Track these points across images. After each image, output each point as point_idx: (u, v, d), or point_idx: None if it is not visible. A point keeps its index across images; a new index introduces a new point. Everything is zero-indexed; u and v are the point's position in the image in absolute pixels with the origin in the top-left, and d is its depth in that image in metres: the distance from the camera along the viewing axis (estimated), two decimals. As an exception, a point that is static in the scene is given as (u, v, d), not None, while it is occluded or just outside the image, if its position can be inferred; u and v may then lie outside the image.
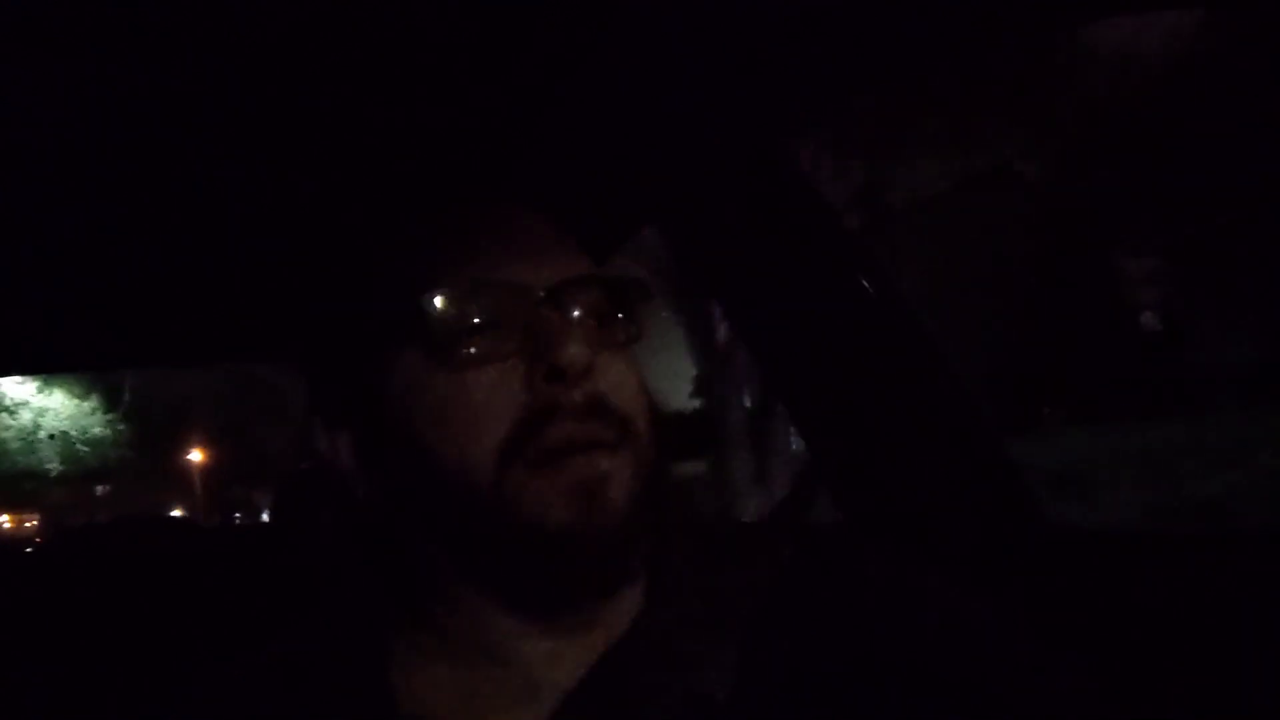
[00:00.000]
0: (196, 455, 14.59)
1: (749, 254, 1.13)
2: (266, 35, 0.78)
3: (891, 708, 0.53)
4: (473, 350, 0.51)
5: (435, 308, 0.51)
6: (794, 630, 0.56)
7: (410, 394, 0.52)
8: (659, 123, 0.99)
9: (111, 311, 1.49)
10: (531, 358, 0.51)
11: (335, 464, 0.57)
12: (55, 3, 0.71)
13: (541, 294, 0.52)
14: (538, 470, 0.50)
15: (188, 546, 1.62)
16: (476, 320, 0.51)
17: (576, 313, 0.53)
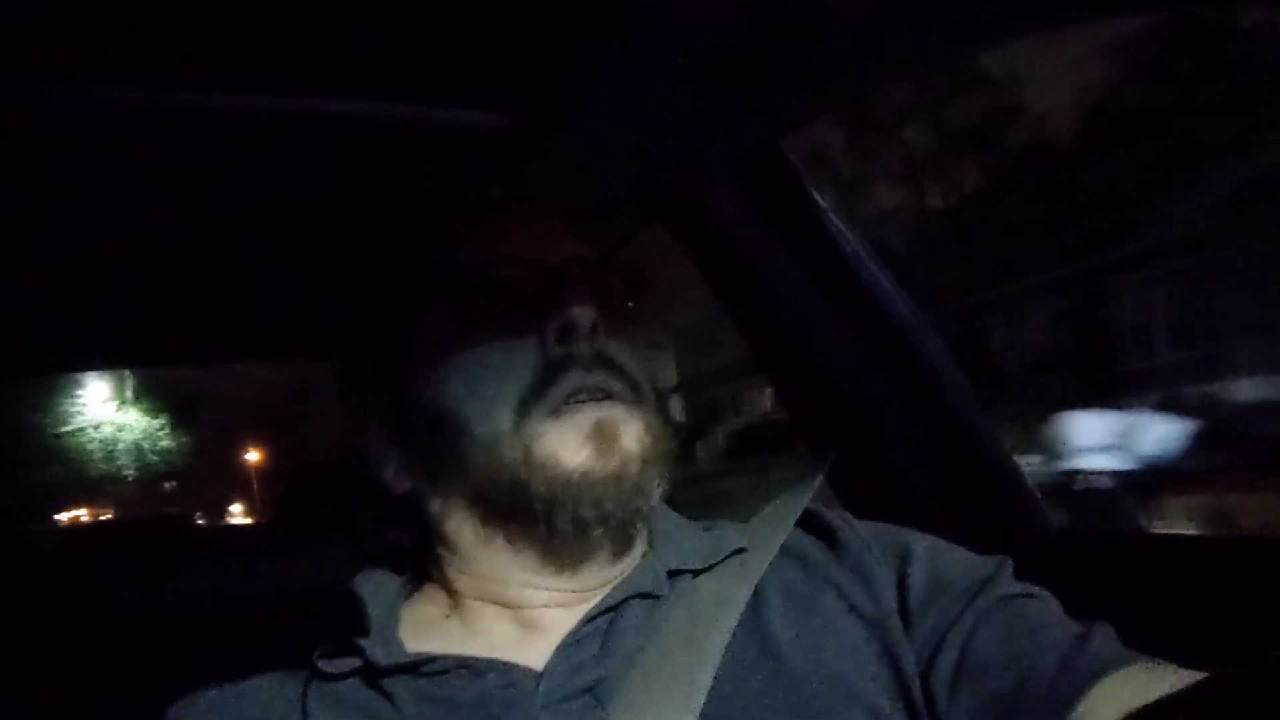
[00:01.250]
0: (253, 455, 16.77)
1: (750, 253, 1.13)
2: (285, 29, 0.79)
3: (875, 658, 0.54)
4: (493, 313, 0.56)
5: (461, 276, 0.57)
6: (784, 584, 0.60)
7: (438, 355, 0.57)
8: (660, 122, 0.99)
9: (130, 308, 1.49)
10: (545, 318, 0.56)
11: (363, 440, 0.61)
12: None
13: (549, 266, 0.58)
14: (555, 416, 0.54)
15: (184, 545, 1.62)
16: (497, 288, 0.57)
17: (589, 285, 0.58)
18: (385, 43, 0.82)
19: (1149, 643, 0.89)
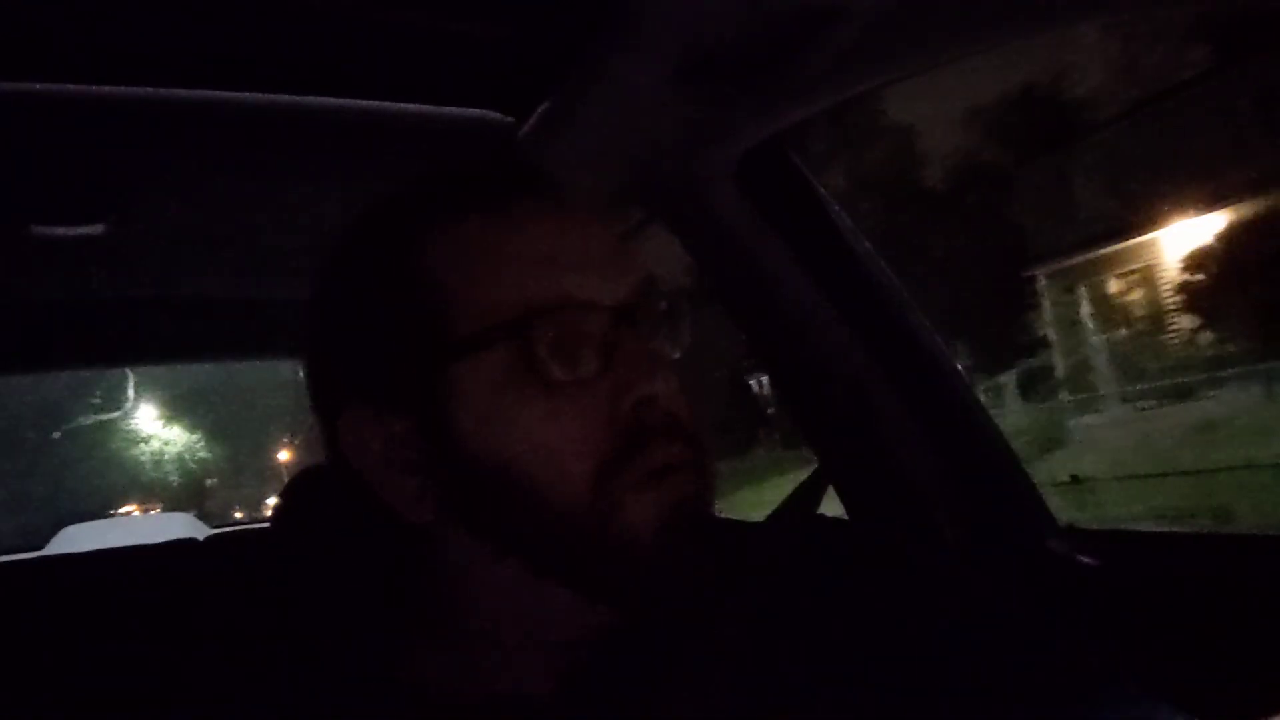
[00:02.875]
0: (284, 455, 18.32)
1: (752, 252, 1.13)
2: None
3: (904, 698, 0.53)
4: (555, 372, 0.51)
5: (512, 331, 0.51)
6: (805, 624, 0.57)
7: (488, 411, 0.51)
8: (662, 121, 0.99)
9: (135, 308, 1.49)
10: (616, 381, 0.51)
11: (360, 456, 0.55)
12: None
13: (616, 308, 0.53)
14: (637, 490, 0.51)
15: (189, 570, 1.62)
16: (556, 340, 0.51)
17: (648, 327, 0.54)
18: (388, 43, 0.82)
19: (1150, 641, 0.89)
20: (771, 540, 0.66)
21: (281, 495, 1.22)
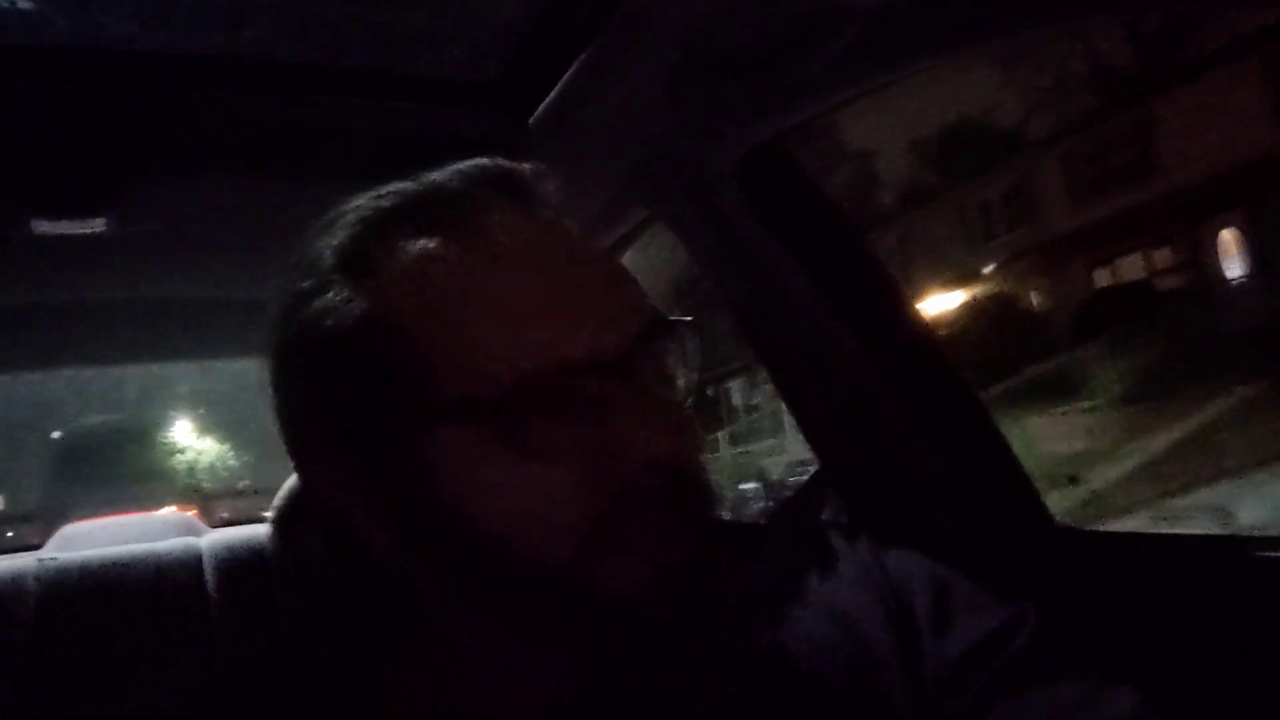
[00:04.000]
0: None
1: (754, 253, 1.12)
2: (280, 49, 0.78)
3: (900, 705, 0.53)
4: (543, 440, 0.47)
5: (497, 398, 0.46)
6: (804, 631, 0.56)
7: (469, 477, 0.48)
8: (663, 122, 0.99)
9: (128, 310, 1.49)
10: (609, 443, 0.47)
11: (343, 511, 0.52)
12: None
13: (608, 364, 0.48)
14: (621, 555, 0.47)
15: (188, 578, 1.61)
16: (544, 407, 0.47)
17: (643, 375, 0.50)
18: (390, 43, 0.82)
19: (1149, 642, 0.89)
20: (771, 544, 0.65)
21: (280, 496, 1.22)
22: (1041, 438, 8.83)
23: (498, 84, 0.91)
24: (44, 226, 1.11)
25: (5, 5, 0.72)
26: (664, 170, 1.08)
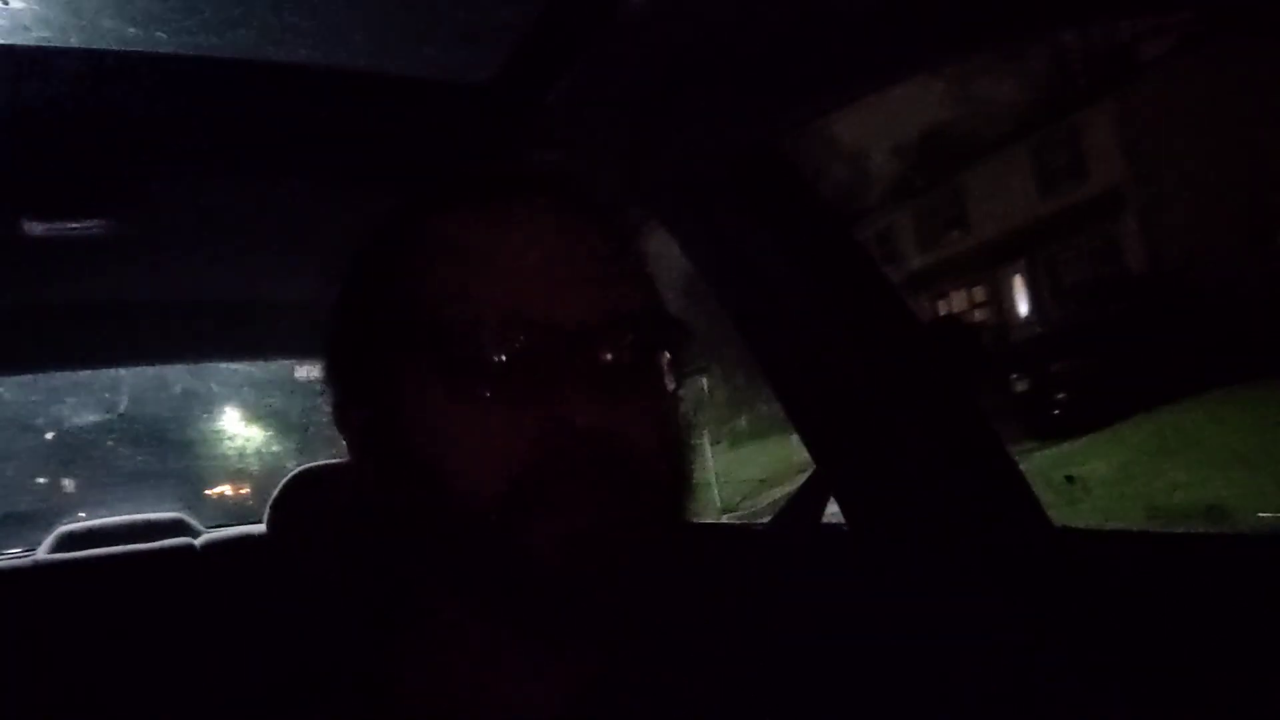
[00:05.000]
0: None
1: (749, 253, 1.12)
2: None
3: (896, 709, 0.53)
4: (492, 386, 0.49)
5: (457, 340, 0.50)
6: (796, 637, 0.56)
7: (425, 417, 0.51)
8: (659, 123, 0.99)
9: (124, 311, 1.49)
10: (548, 403, 0.49)
11: (347, 444, 0.57)
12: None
13: (570, 333, 0.50)
14: (543, 519, 0.49)
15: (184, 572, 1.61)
16: (499, 357, 0.49)
17: (607, 355, 0.51)
18: (389, 44, 0.82)
19: (1146, 642, 0.89)
20: (770, 547, 0.65)
21: (276, 496, 1.22)
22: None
23: (494, 85, 0.91)
24: (40, 228, 1.11)
25: (1, 6, 0.72)
26: (659, 171, 1.08)
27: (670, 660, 0.54)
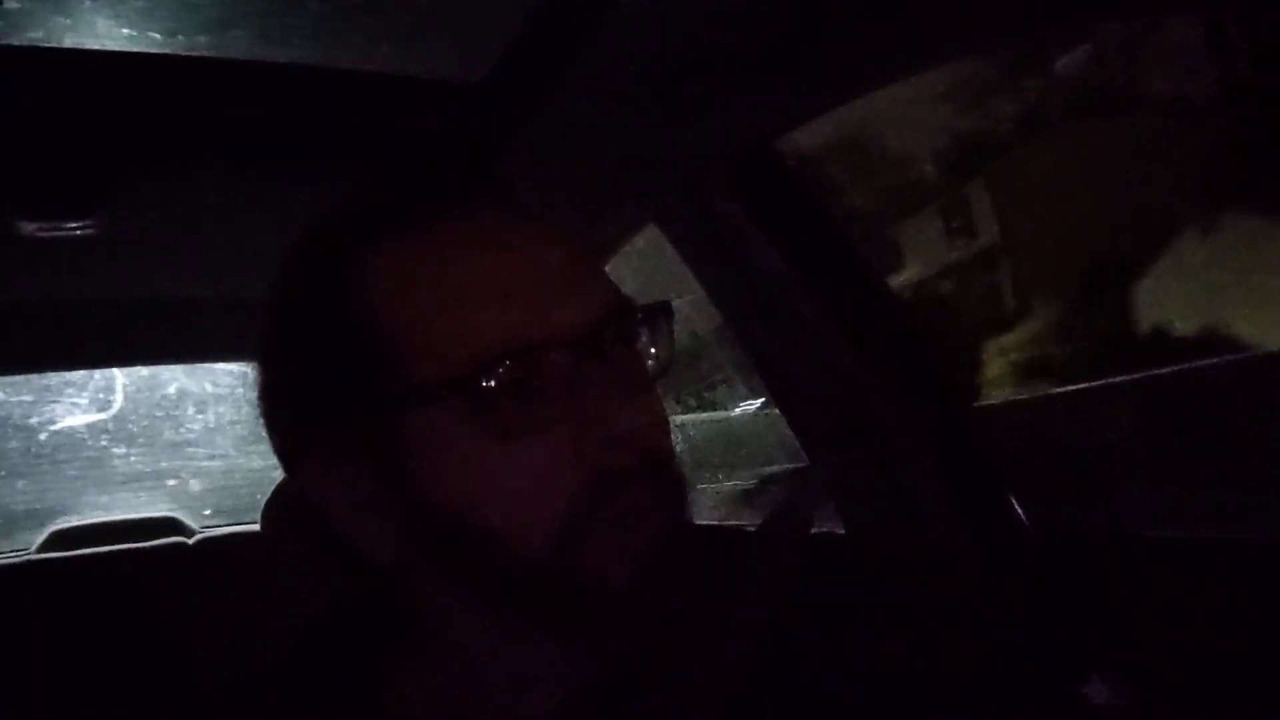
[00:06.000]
0: None
1: (744, 254, 1.12)
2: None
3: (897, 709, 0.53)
4: (514, 419, 0.47)
5: (465, 378, 0.46)
6: (800, 642, 0.56)
7: (445, 461, 0.48)
8: (654, 123, 0.99)
9: (117, 312, 1.48)
10: (580, 421, 0.47)
11: (326, 506, 0.53)
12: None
13: (577, 343, 0.48)
14: (606, 537, 0.47)
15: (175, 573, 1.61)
16: (513, 386, 0.47)
17: (611, 355, 0.50)
18: (380, 41, 0.82)
19: (1144, 642, 0.89)
20: (766, 549, 0.65)
21: (270, 498, 1.21)
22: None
23: (488, 84, 0.90)
24: (33, 227, 1.10)
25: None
26: (655, 170, 1.08)
27: (669, 663, 0.54)
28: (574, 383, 0.48)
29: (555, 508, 0.47)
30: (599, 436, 0.47)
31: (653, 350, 0.53)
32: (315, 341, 0.52)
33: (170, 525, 1.95)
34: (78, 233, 1.14)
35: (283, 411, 0.55)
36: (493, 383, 0.46)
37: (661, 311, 0.54)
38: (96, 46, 0.79)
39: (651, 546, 0.48)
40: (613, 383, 0.48)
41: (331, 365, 0.51)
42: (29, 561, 1.68)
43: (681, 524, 0.51)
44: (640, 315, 0.53)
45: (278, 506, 1.12)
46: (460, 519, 0.48)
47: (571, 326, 0.48)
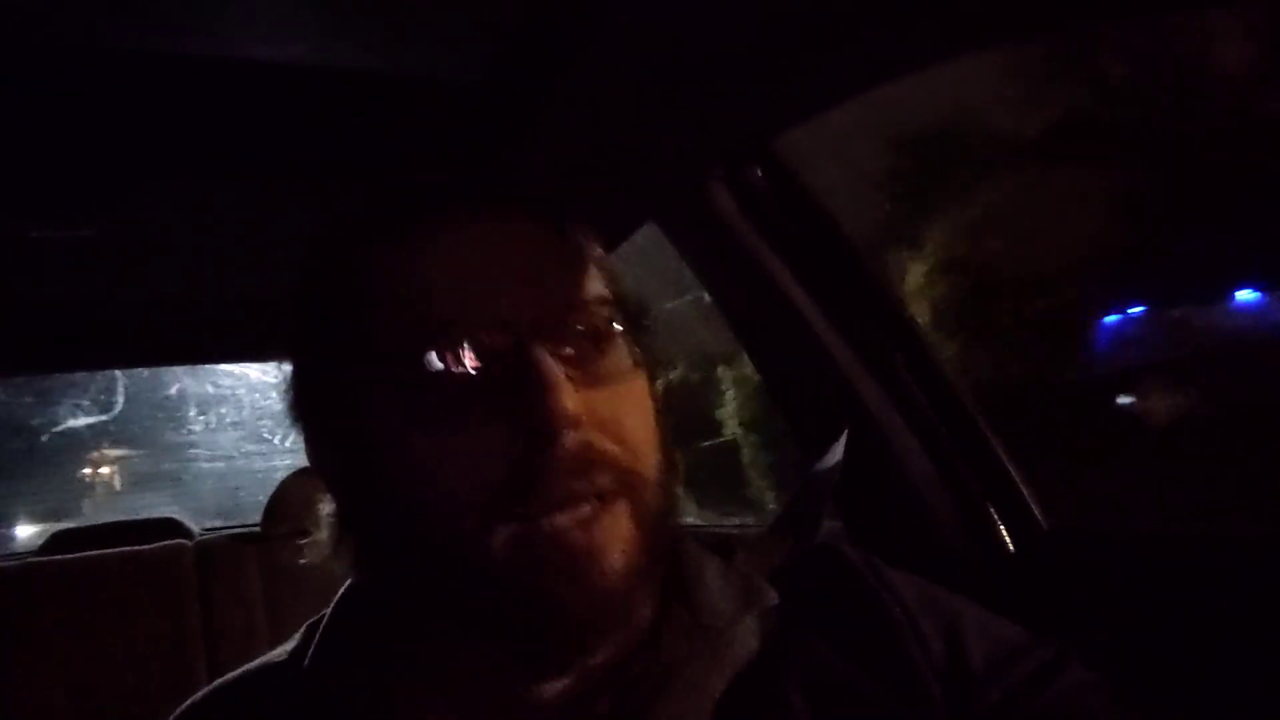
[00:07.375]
0: None
1: (744, 253, 1.12)
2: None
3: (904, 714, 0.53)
4: (450, 404, 0.47)
5: (405, 359, 0.47)
6: (807, 643, 0.56)
7: (386, 444, 0.49)
8: (655, 123, 0.99)
9: (114, 313, 1.49)
10: (514, 410, 0.46)
11: (320, 472, 0.55)
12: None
13: (520, 329, 0.48)
14: (524, 535, 0.47)
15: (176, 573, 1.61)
16: (453, 370, 0.47)
17: (567, 349, 0.49)
18: (378, 40, 0.82)
19: (1142, 641, 0.89)
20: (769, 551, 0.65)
21: (271, 498, 1.22)
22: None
23: (489, 85, 0.90)
24: (38, 231, 1.11)
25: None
26: (655, 172, 1.08)
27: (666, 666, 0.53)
28: (513, 372, 0.47)
29: (477, 494, 0.47)
30: (528, 428, 0.46)
31: (626, 350, 0.53)
32: (311, 317, 0.55)
33: (171, 526, 1.95)
34: (81, 235, 1.14)
35: (292, 379, 0.58)
36: (426, 360, 0.47)
37: (628, 302, 0.54)
38: (96, 47, 0.79)
39: (577, 553, 0.47)
40: (557, 380, 0.47)
41: (320, 339, 0.54)
42: (31, 563, 1.69)
43: (641, 522, 0.50)
44: (610, 312, 0.52)
45: (278, 509, 1.12)
46: (398, 506, 0.49)
47: (518, 312, 0.48)
